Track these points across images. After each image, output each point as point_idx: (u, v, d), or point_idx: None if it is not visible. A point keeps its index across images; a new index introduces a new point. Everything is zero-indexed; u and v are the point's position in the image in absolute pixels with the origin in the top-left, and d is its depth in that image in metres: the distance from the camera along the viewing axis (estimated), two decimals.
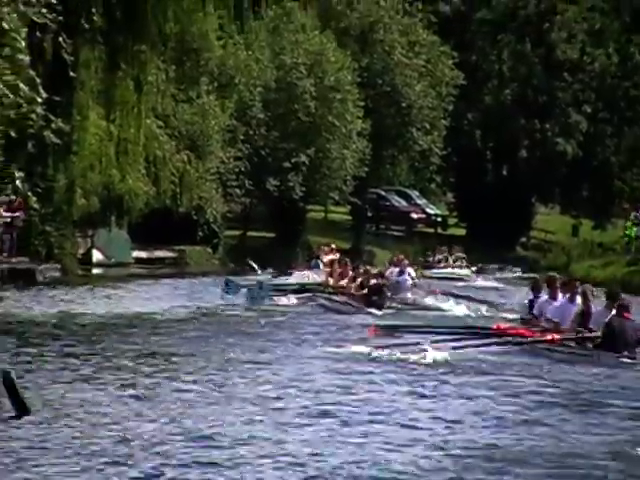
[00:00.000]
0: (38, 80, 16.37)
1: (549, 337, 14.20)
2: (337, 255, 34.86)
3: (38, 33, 17.03)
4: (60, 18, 17.17)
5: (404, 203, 58.84)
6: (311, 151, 44.74)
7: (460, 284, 34.52)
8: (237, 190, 42.43)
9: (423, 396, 11.61)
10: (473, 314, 22.68)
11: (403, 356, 13.87)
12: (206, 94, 39.74)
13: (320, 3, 50.12)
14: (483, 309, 23.30)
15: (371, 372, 13.10)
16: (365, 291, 23.21)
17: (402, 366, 13.47)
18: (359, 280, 23.68)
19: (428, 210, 60.05)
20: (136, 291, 27.28)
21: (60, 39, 17.68)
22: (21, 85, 15.79)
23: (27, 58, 16.02)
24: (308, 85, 43.95)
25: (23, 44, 15.99)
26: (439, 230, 61.53)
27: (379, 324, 16.60)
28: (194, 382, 12.01)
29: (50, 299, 23.49)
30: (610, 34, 60.45)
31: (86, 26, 18.74)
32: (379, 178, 53.10)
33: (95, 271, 36.13)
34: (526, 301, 17.23)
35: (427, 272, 39.62)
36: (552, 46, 59.42)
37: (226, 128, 40.25)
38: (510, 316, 18.90)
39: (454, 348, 13.87)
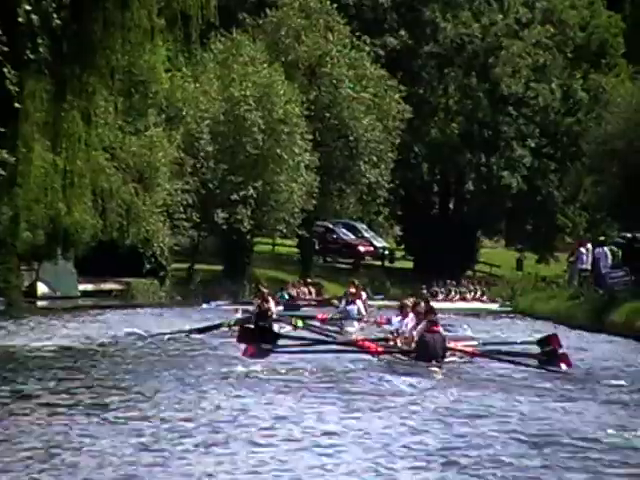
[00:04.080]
0: None
1: (378, 349, 17.17)
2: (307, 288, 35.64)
3: None
4: (5, 49, 17.12)
5: (352, 236, 59.04)
6: (259, 184, 44.77)
7: None
8: (185, 223, 42.33)
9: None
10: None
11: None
12: (154, 126, 39.66)
13: (268, 36, 50.40)
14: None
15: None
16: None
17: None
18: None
19: (375, 243, 60.31)
20: (80, 323, 27.03)
21: (5, 70, 17.59)
22: None
23: None
24: (256, 118, 44.04)
25: None
26: (386, 263, 61.80)
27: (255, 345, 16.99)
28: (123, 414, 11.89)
29: None
30: (553, 70, 61.38)
31: (32, 57, 18.60)
32: (327, 211, 53.29)
33: (40, 304, 35.82)
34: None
35: None
36: (497, 81, 60.20)
37: (174, 160, 40.12)
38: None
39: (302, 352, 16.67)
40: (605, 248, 31.38)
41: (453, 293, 54.12)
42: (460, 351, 17.29)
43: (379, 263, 60.70)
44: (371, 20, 59.05)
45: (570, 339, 26.16)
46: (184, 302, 39.34)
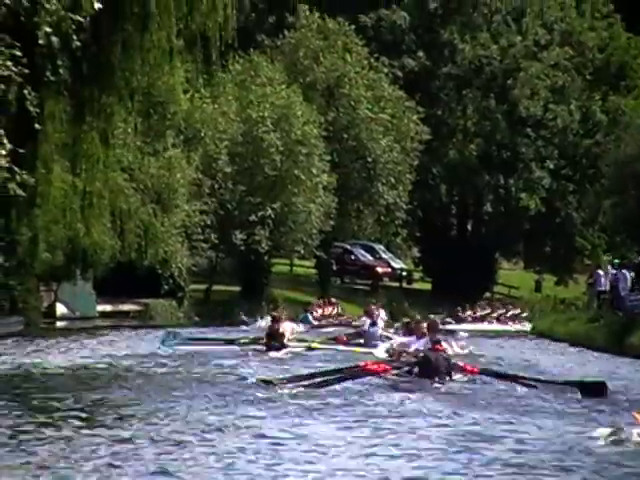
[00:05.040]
0: (2, 132, 16.35)
1: (386, 369, 17.19)
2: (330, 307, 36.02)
3: (2, 85, 16.98)
4: (25, 70, 17.20)
5: (369, 257, 58.99)
6: (277, 205, 44.83)
7: None
8: (203, 244, 42.40)
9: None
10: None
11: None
12: (172, 147, 39.80)
13: (287, 57, 50.57)
14: None
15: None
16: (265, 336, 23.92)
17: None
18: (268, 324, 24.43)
19: (393, 264, 60.23)
20: (98, 344, 27.07)
21: (25, 91, 17.66)
22: None
23: None
24: (274, 139, 44.13)
25: None
26: (404, 284, 61.69)
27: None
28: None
29: (12, 352, 23.28)
30: (572, 91, 61.29)
31: (52, 79, 18.69)
32: (344, 232, 53.33)
33: (59, 324, 35.93)
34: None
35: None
36: (516, 102, 60.16)
37: (192, 181, 40.26)
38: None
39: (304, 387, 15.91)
40: (624, 271, 31.28)
41: (485, 314, 53.45)
42: (465, 370, 17.44)
43: (397, 284, 60.59)
44: (389, 41, 59.20)
45: (589, 361, 26.10)
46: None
